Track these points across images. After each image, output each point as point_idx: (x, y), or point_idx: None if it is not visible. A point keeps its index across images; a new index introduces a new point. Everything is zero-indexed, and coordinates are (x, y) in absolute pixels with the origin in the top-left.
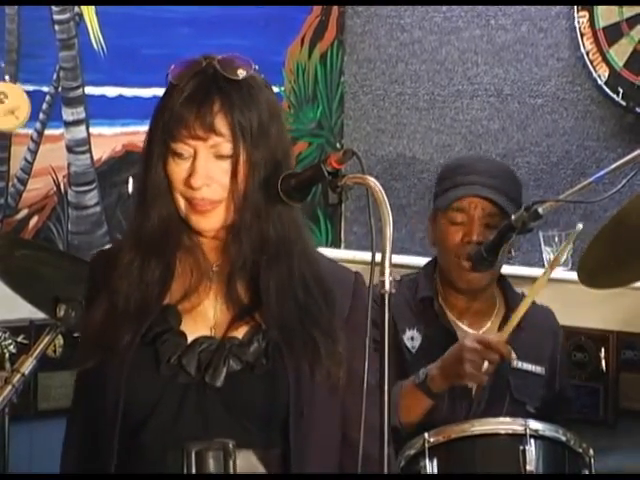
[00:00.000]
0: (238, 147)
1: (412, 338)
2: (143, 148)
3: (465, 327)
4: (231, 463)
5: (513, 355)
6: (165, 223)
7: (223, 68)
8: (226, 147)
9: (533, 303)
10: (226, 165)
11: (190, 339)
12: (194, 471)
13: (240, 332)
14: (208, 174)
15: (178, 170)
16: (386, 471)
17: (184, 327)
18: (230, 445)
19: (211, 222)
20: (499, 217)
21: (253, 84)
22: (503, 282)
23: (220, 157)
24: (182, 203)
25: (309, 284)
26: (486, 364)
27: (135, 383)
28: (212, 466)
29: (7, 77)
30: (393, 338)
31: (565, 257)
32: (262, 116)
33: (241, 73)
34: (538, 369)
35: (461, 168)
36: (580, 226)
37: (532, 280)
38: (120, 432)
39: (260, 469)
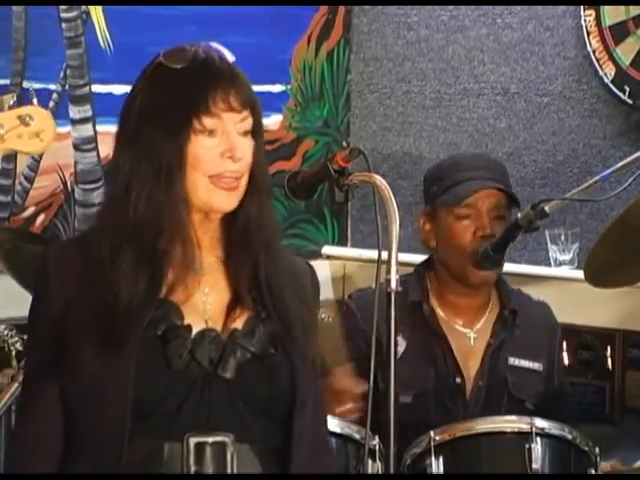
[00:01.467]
0: (258, 123)
1: (396, 344)
2: (142, 133)
3: (459, 327)
4: (229, 456)
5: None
6: (172, 208)
7: (217, 53)
8: (249, 122)
9: (529, 298)
10: (247, 141)
11: (194, 332)
12: (192, 463)
13: (238, 323)
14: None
15: (209, 146)
16: (392, 470)
17: (185, 321)
18: (229, 438)
19: (232, 200)
20: (505, 208)
21: None
22: (498, 278)
23: (243, 133)
24: (203, 182)
25: (292, 269)
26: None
27: (145, 379)
28: (210, 459)
29: (35, 101)
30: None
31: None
32: None
33: (231, 58)
34: (536, 365)
35: (459, 165)
36: None
37: (538, 278)
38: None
39: (256, 464)
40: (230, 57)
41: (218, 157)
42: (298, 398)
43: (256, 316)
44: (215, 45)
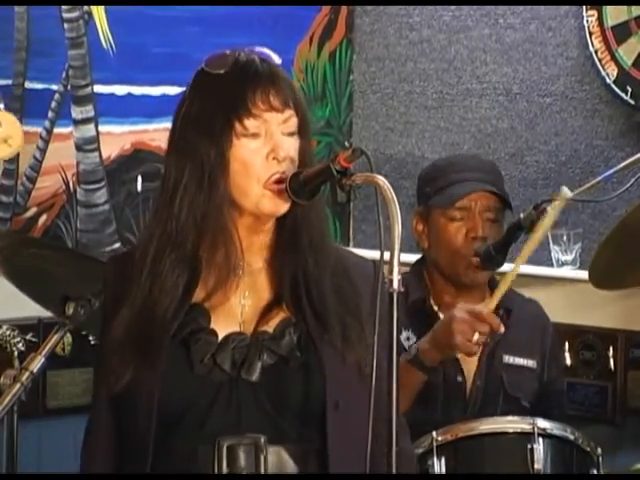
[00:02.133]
0: (303, 122)
1: (408, 339)
2: (185, 139)
3: None
4: (262, 458)
5: (502, 328)
6: (215, 213)
7: (260, 55)
8: (294, 122)
9: (521, 296)
10: (292, 141)
11: (221, 336)
12: (225, 466)
13: (270, 326)
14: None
15: (253, 149)
16: (394, 470)
17: (213, 325)
18: (262, 440)
19: (282, 203)
20: (498, 211)
21: None
22: (490, 278)
23: (288, 134)
24: (254, 187)
25: (337, 269)
26: (476, 335)
27: (169, 384)
28: (243, 461)
29: (1, 105)
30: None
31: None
32: None
33: (277, 60)
34: (530, 363)
35: (454, 166)
36: (566, 191)
37: (540, 279)
38: (154, 433)
39: (291, 465)
40: (276, 59)
41: (264, 160)
42: (329, 400)
43: (292, 318)
44: (260, 49)
